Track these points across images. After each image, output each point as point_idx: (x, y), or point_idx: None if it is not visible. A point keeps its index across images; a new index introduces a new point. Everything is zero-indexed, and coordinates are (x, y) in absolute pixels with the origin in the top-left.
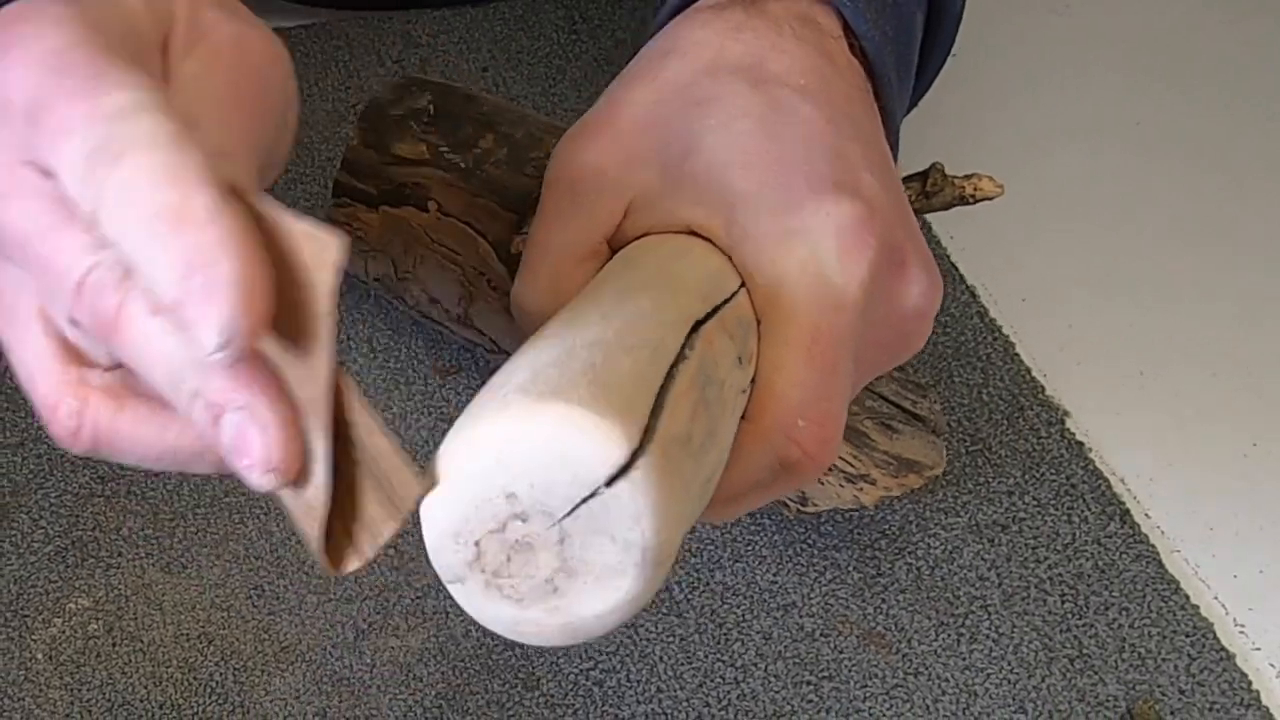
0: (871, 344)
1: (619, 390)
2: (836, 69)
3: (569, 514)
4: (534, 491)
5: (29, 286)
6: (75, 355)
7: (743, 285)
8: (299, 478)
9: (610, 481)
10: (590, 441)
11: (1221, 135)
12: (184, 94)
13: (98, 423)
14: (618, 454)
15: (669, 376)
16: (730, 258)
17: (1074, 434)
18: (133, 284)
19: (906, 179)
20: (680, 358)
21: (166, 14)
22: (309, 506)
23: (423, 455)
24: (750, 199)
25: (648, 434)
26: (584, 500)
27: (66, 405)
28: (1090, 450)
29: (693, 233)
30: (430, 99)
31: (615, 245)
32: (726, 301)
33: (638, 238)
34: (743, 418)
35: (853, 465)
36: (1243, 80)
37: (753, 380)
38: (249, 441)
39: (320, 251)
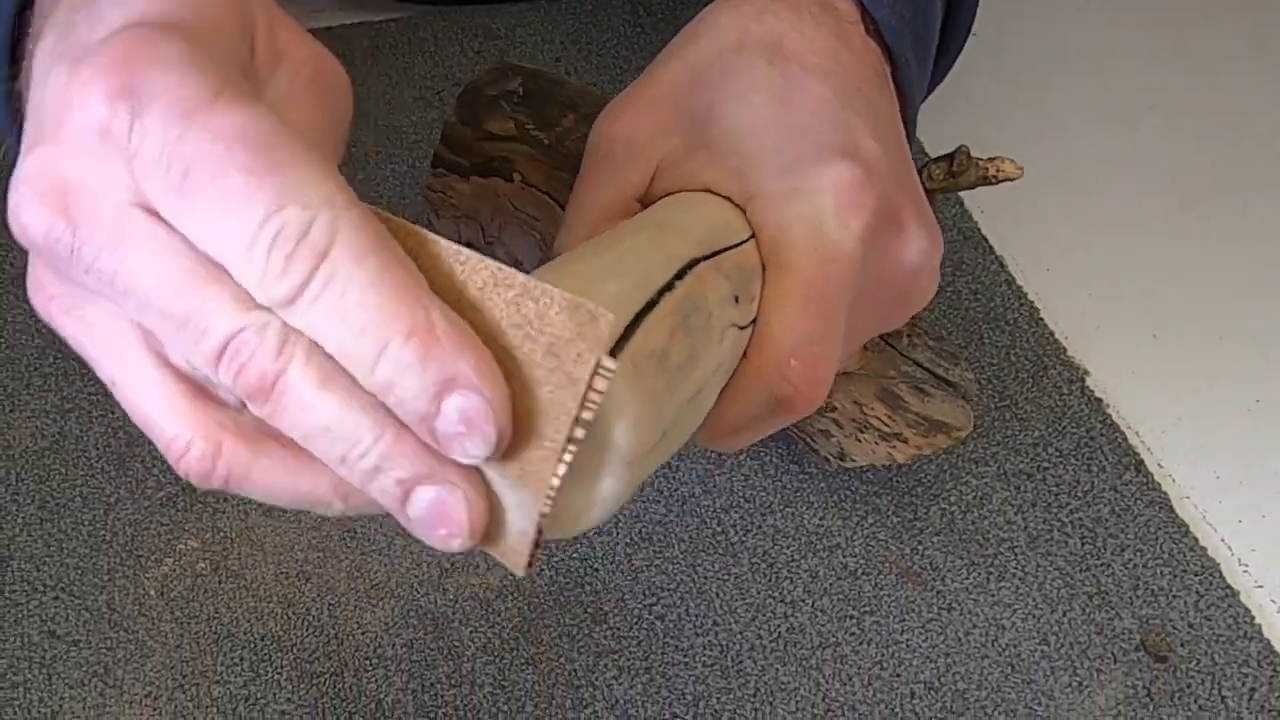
0: (870, 298)
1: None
2: (851, 50)
3: None
4: None
5: (131, 325)
6: (201, 391)
7: (751, 238)
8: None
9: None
10: None
11: (1231, 117)
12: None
13: (232, 467)
14: None
15: (652, 302)
16: (744, 215)
17: (1093, 391)
18: (292, 350)
19: (935, 160)
20: (667, 287)
21: (248, 25)
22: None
23: None
24: (761, 161)
25: (618, 347)
26: None
27: (198, 448)
28: (1108, 406)
29: (712, 193)
30: (520, 82)
31: (645, 203)
32: (730, 248)
33: (664, 196)
34: (744, 356)
35: (887, 425)
36: (1253, 66)
37: (753, 321)
38: (450, 515)
39: (584, 325)
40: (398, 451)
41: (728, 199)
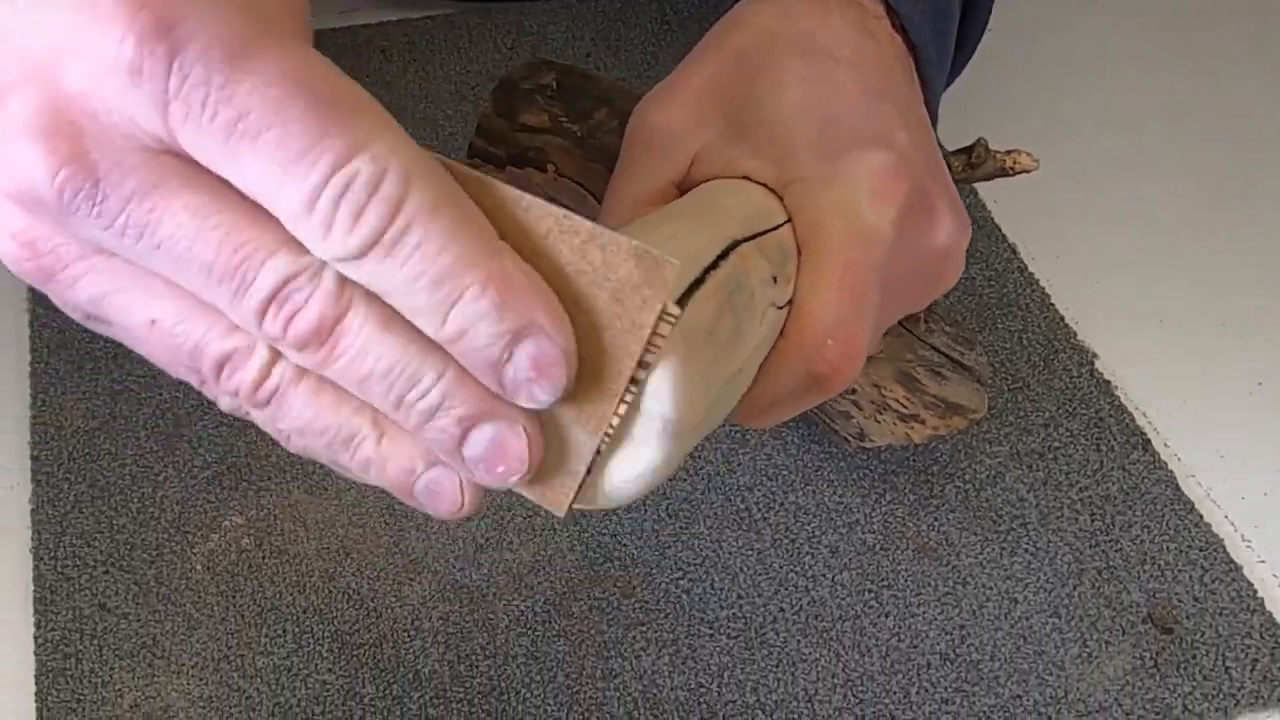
0: (903, 278)
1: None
2: (878, 44)
3: None
4: None
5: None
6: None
7: (787, 222)
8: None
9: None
10: None
11: (1234, 117)
12: None
13: (283, 381)
14: None
15: (700, 279)
16: (780, 201)
17: (1102, 374)
18: (349, 296)
19: (954, 152)
20: (713, 266)
21: None
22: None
23: None
24: (798, 149)
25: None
26: None
27: (260, 356)
28: (1116, 388)
29: (748, 179)
30: (555, 76)
31: (683, 191)
32: (768, 231)
33: (701, 183)
34: (781, 334)
35: (905, 406)
36: (1255, 68)
37: (790, 301)
38: (510, 451)
39: (650, 272)
40: (461, 390)
41: (763, 185)
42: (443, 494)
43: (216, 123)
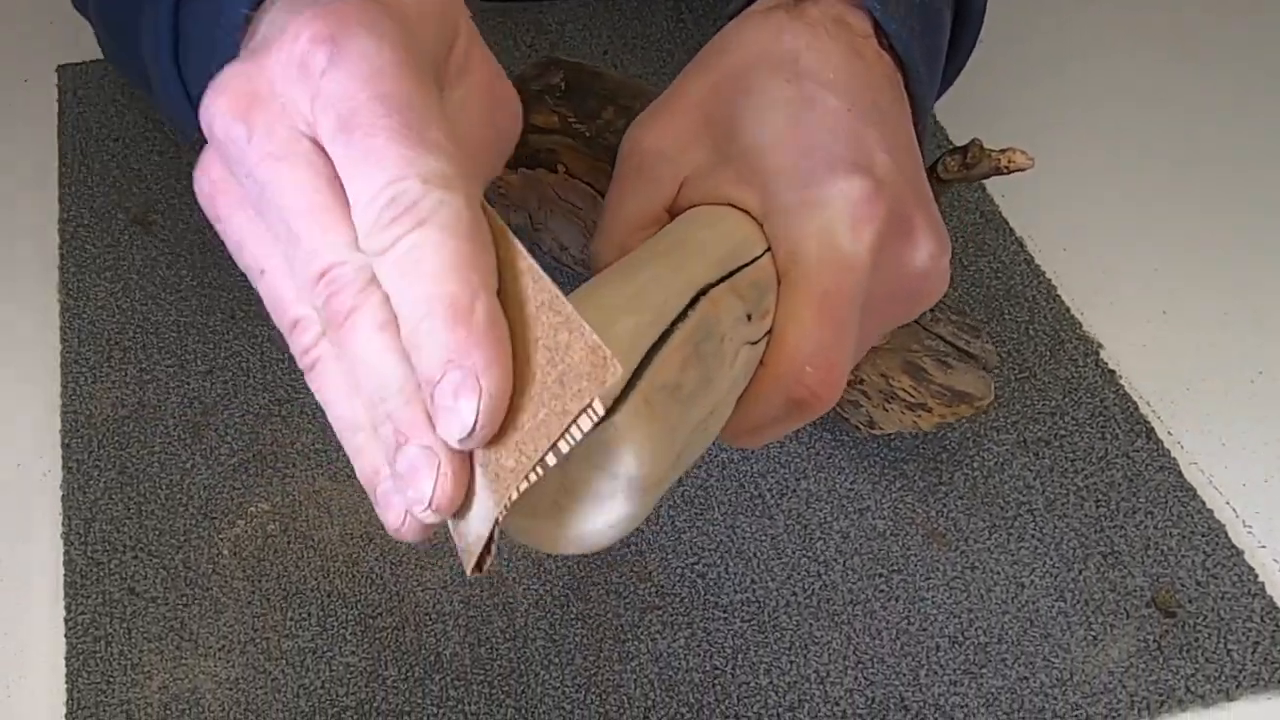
0: (882, 300)
1: (611, 346)
2: (865, 63)
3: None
4: None
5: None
6: None
7: (766, 251)
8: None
9: (597, 423)
10: None
11: (1236, 108)
12: (449, 115)
13: (324, 352)
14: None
15: (665, 334)
16: (762, 227)
17: (1106, 364)
18: (371, 294)
19: (950, 152)
20: (681, 317)
21: (451, 36)
22: (464, 532)
23: None
24: (778, 176)
25: (631, 385)
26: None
27: (316, 328)
28: (1120, 377)
29: (734, 205)
30: (563, 76)
31: (673, 213)
32: (745, 266)
33: (690, 208)
34: (761, 363)
35: (913, 395)
36: (1256, 58)
37: (768, 332)
38: (419, 479)
39: (596, 368)
40: (407, 406)
41: (745, 212)
42: (390, 506)
43: (337, 119)
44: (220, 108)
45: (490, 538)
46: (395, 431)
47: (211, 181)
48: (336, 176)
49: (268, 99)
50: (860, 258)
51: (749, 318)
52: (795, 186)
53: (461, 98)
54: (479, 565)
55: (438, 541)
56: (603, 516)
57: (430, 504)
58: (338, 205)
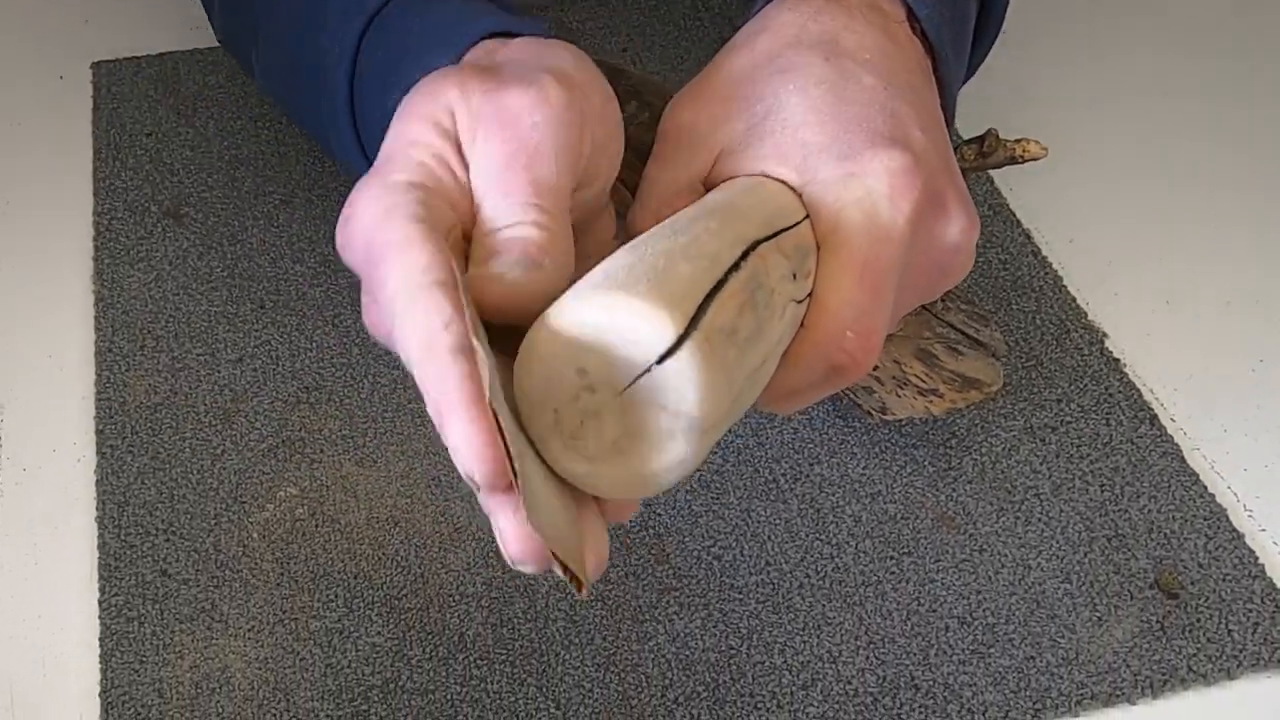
0: (915, 272)
1: (672, 287)
2: (898, 46)
3: (629, 387)
4: (600, 368)
5: None
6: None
7: (806, 218)
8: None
9: (661, 360)
10: (643, 326)
11: (1239, 103)
12: (477, 174)
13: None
14: (666, 337)
15: (721, 281)
16: (800, 197)
17: (1111, 352)
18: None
19: (966, 141)
20: (734, 267)
21: (450, 127)
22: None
23: None
24: (818, 149)
25: (693, 323)
26: (640, 375)
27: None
28: (1125, 366)
29: (770, 177)
30: None
31: (708, 186)
32: (788, 229)
33: (726, 180)
34: (802, 326)
35: (924, 381)
36: (1259, 55)
37: (810, 295)
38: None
39: None
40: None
41: (782, 182)
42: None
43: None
44: (421, 112)
45: (561, 563)
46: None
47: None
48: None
49: (459, 113)
50: (899, 228)
51: (794, 276)
52: (835, 158)
53: (482, 149)
54: (578, 586)
55: (460, 524)
56: (663, 457)
57: (511, 556)
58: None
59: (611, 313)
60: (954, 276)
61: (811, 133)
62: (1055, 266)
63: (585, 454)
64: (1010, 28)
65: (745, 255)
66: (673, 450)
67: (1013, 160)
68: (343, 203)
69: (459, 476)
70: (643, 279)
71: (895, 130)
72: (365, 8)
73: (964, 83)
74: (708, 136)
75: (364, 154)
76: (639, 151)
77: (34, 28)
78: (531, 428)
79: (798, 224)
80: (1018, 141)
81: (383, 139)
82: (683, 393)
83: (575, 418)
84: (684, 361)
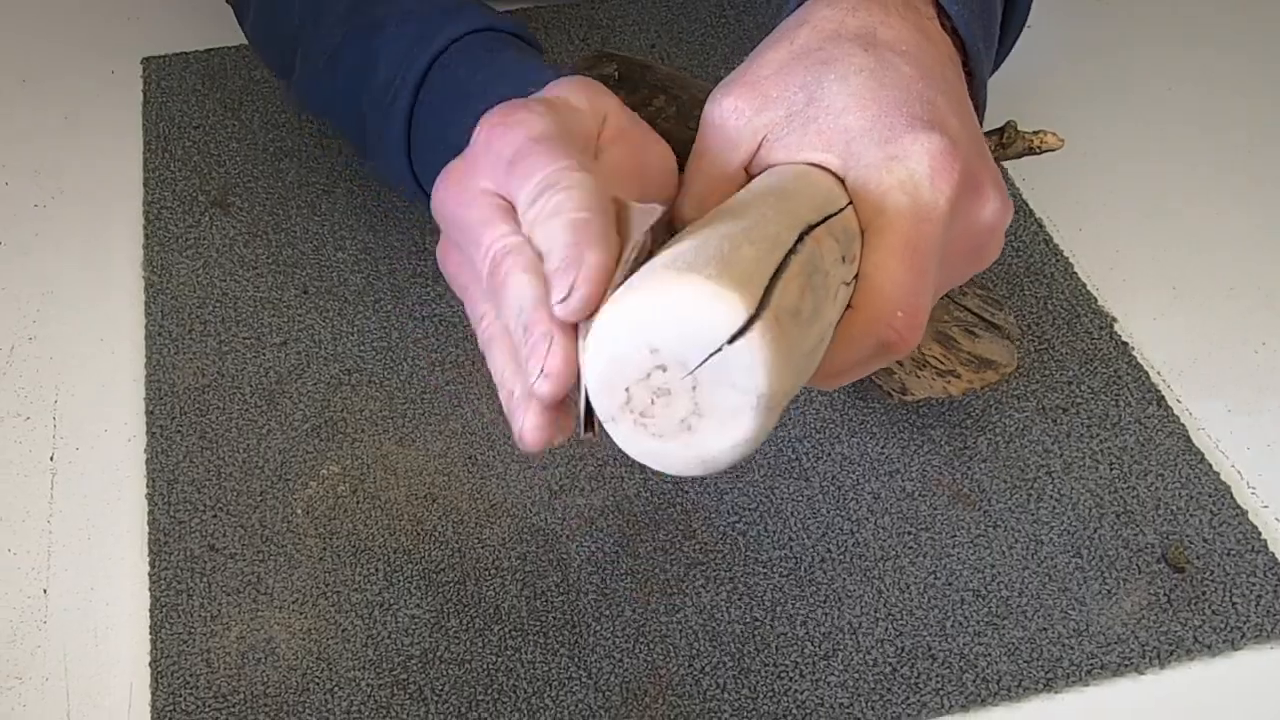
0: (953, 252)
1: (741, 269)
2: (931, 40)
3: (699, 366)
4: (672, 347)
5: None
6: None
7: (850, 204)
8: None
9: (732, 339)
10: (716, 306)
11: (1242, 97)
12: (603, 166)
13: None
14: (737, 317)
15: (783, 263)
16: (843, 183)
17: (1120, 336)
18: (521, 252)
19: (987, 133)
20: (793, 250)
21: (602, 115)
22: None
23: None
24: (860, 134)
25: (762, 304)
26: (711, 355)
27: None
28: (1133, 349)
29: (812, 164)
30: (615, 67)
31: (752, 172)
32: (835, 214)
33: (767, 167)
34: (849, 307)
35: (943, 363)
36: (1263, 47)
37: (856, 276)
38: (537, 351)
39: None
40: (535, 310)
41: (824, 169)
42: (515, 412)
43: (502, 163)
44: (438, 195)
45: (589, 403)
46: (527, 327)
47: (443, 248)
48: (506, 204)
49: (463, 176)
50: (940, 208)
51: (843, 259)
52: (877, 143)
53: (616, 155)
54: (590, 426)
55: (495, 501)
56: (730, 435)
57: (543, 369)
58: (502, 215)
59: (684, 293)
60: (987, 258)
61: (853, 118)
62: (1066, 254)
63: (654, 431)
64: (1033, 32)
65: (801, 239)
66: (740, 427)
67: (1031, 151)
68: (382, 194)
69: (494, 455)
70: (711, 261)
71: (933, 114)
72: (430, 48)
73: (990, 75)
74: (751, 124)
75: (415, 177)
76: (669, 144)
77: (87, 25)
78: (602, 405)
79: (843, 209)
80: (1036, 133)
81: (440, 166)
82: (752, 371)
83: (646, 396)
84: (754, 341)
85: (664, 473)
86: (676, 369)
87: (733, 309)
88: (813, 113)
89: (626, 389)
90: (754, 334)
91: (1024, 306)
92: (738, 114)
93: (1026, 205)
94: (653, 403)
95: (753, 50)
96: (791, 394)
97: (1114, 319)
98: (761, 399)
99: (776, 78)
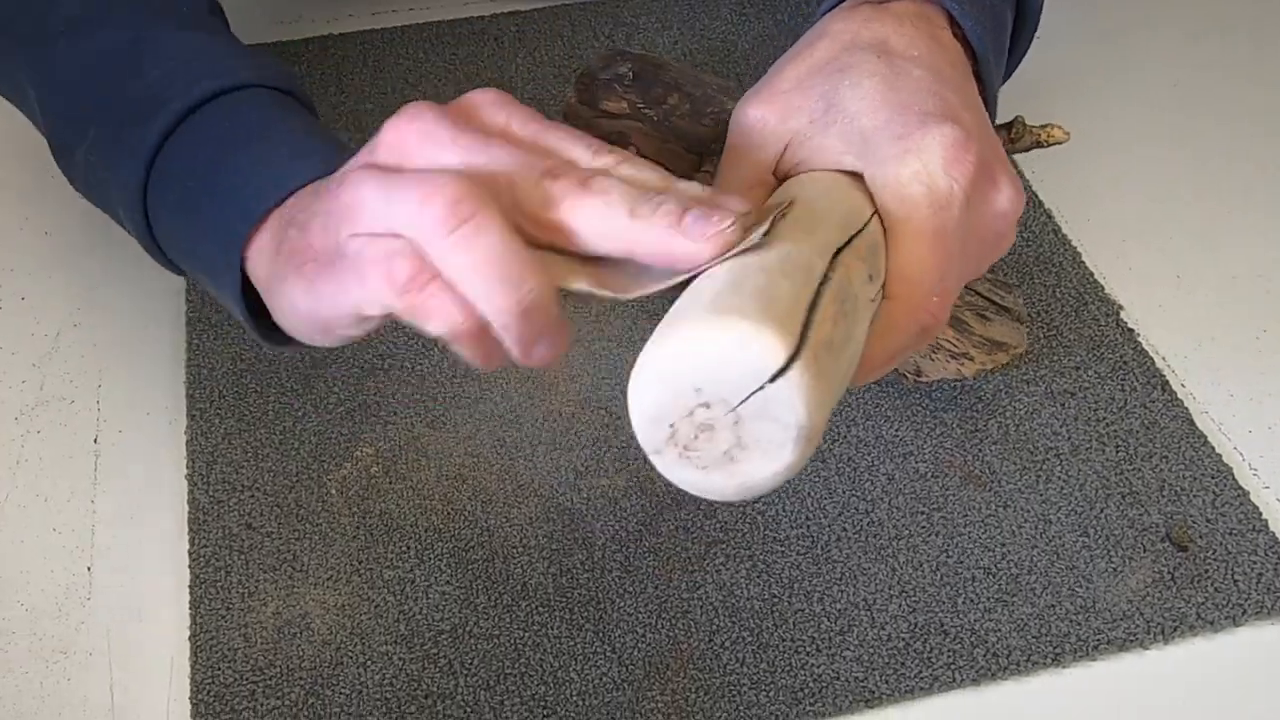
0: (973, 240)
1: (780, 308)
2: (943, 48)
3: (742, 403)
4: (715, 386)
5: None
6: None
7: (874, 215)
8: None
9: (773, 378)
10: (758, 347)
11: (1246, 91)
12: None
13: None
14: (779, 357)
15: (817, 295)
16: (863, 188)
17: (1126, 323)
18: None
19: (996, 128)
20: (825, 279)
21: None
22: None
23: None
24: (877, 132)
25: (802, 341)
26: (754, 393)
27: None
28: (1138, 335)
29: (835, 170)
30: (630, 66)
31: (779, 176)
32: (860, 231)
33: (793, 172)
34: (885, 298)
35: (956, 345)
36: (1266, 39)
37: (882, 286)
38: (710, 221)
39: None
40: (679, 197)
41: (847, 172)
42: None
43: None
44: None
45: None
46: (671, 211)
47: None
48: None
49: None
50: (957, 195)
51: (870, 278)
52: (893, 137)
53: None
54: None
55: (523, 482)
56: (772, 465)
57: (721, 226)
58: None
59: (728, 338)
60: (1003, 247)
61: (868, 119)
62: (1074, 243)
63: (698, 464)
64: (1040, 32)
65: (832, 263)
66: (782, 458)
67: (1038, 144)
68: None
69: (522, 438)
70: (750, 299)
71: (946, 109)
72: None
73: (1000, 85)
74: (776, 128)
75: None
76: (686, 143)
77: None
78: (647, 439)
79: (867, 223)
80: (1043, 127)
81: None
82: (793, 406)
83: (690, 430)
84: (794, 380)
85: (709, 499)
86: (719, 406)
87: (774, 351)
88: (831, 118)
89: (671, 425)
90: (794, 373)
91: (1033, 294)
92: (764, 122)
93: (1036, 196)
94: (696, 437)
95: (779, 58)
96: (829, 417)
97: (1120, 306)
98: (802, 430)
99: (797, 88)
